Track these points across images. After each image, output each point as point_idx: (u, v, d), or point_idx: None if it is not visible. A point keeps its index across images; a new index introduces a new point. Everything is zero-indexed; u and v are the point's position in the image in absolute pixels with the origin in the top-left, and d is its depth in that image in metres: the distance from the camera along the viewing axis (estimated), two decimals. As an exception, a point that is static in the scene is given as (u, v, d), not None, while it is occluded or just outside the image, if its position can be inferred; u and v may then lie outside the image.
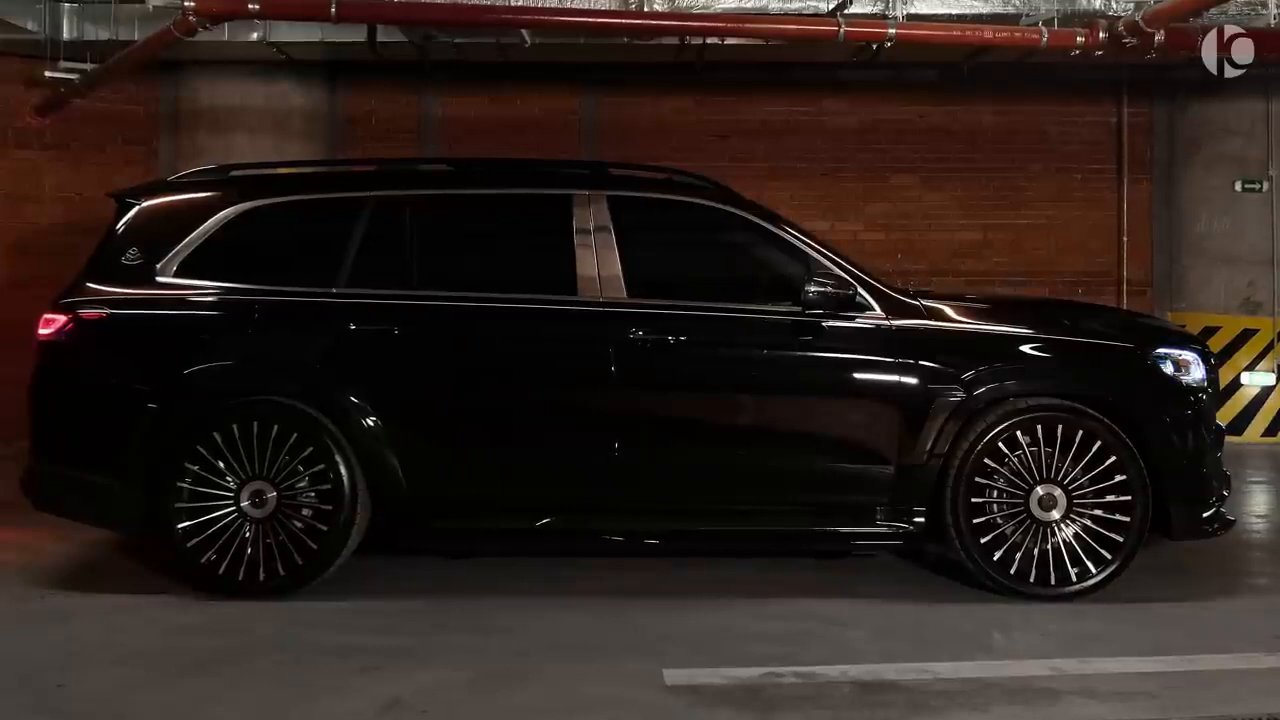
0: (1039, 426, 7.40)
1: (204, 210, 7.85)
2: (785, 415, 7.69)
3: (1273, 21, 10.86)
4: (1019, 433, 7.40)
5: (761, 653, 6.39)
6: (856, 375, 7.60)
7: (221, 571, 7.34)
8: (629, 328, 7.49)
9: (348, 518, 7.41)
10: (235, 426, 7.39)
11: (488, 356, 7.71)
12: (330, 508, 7.39)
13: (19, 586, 7.78)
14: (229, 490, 7.37)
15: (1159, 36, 9.92)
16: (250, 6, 9.91)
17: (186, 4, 9.87)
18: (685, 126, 14.74)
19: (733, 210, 7.87)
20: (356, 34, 11.66)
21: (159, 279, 7.70)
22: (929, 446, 7.41)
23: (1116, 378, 7.68)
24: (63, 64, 11.67)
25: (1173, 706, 5.69)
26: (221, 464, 7.37)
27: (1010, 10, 11.03)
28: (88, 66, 11.62)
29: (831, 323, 7.53)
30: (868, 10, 11.03)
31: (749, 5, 11.03)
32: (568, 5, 10.81)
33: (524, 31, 11.07)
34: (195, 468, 7.37)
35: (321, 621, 7.03)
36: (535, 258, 8.07)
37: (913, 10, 11.01)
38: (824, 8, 10.97)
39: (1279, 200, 14.01)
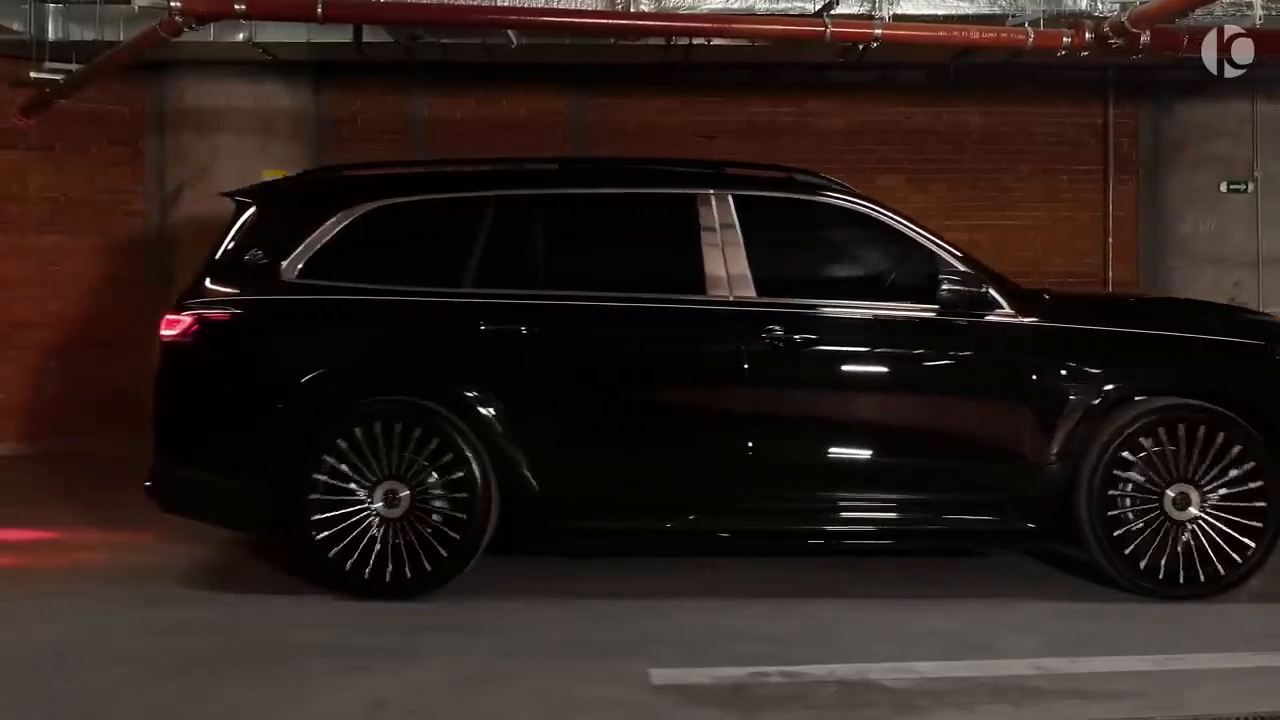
0: (1172, 425, 7.38)
1: (326, 210, 7.83)
2: (919, 414, 7.69)
3: (1258, 23, 10.87)
4: (1152, 431, 7.38)
5: (748, 652, 6.39)
6: (990, 373, 7.61)
7: (358, 572, 7.35)
8: (762, 327, 7.49)
9: (482, 518, 7.41)
10: (368, 427, 7.39)
11: (618, 356, 7.72)
12: (465, 508, 7.38)
13: None
14: (362, 491, 7.37)
15: (1145, 37, 9.93)
16: (236, 7, 9.90)
17: (172, 4, 9.85)
18: (672, 127, 14.72)
19: (856, 208, 7.88)
20: (342, 34, 11.64)
21: (283, 279, 7.68)
22: (1061, 444, 7.41)
23: (1248, 375, 7.70)
24: (48, 64, 11.64)
25: (1161, 705, 5.69)
26: (354, 465, 7.37)
27: (996, 11, 11.04)
28: (73, 67, 11.59)
29: (964, 321, 7.54)
30: (854, 11, 11.04)
31: (735, 6, 11.04)
32: (554, 6, 10.81)
33: (510, 32, 11.06)
34: (327, 469, 7.35)
35: (307, 621, 7.04)
36: (662, 257, 8.07)
37: (899, 10, 11.02)
38: (810, 8, 10.97)
39: (1264, 201, 14.01)
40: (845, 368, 7.68)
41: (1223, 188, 14.02)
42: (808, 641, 6.67)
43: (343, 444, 7.36)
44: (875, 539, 7.79)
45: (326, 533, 7.32)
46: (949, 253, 7.68)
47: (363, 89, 14.48)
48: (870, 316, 7.67)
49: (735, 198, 7.78)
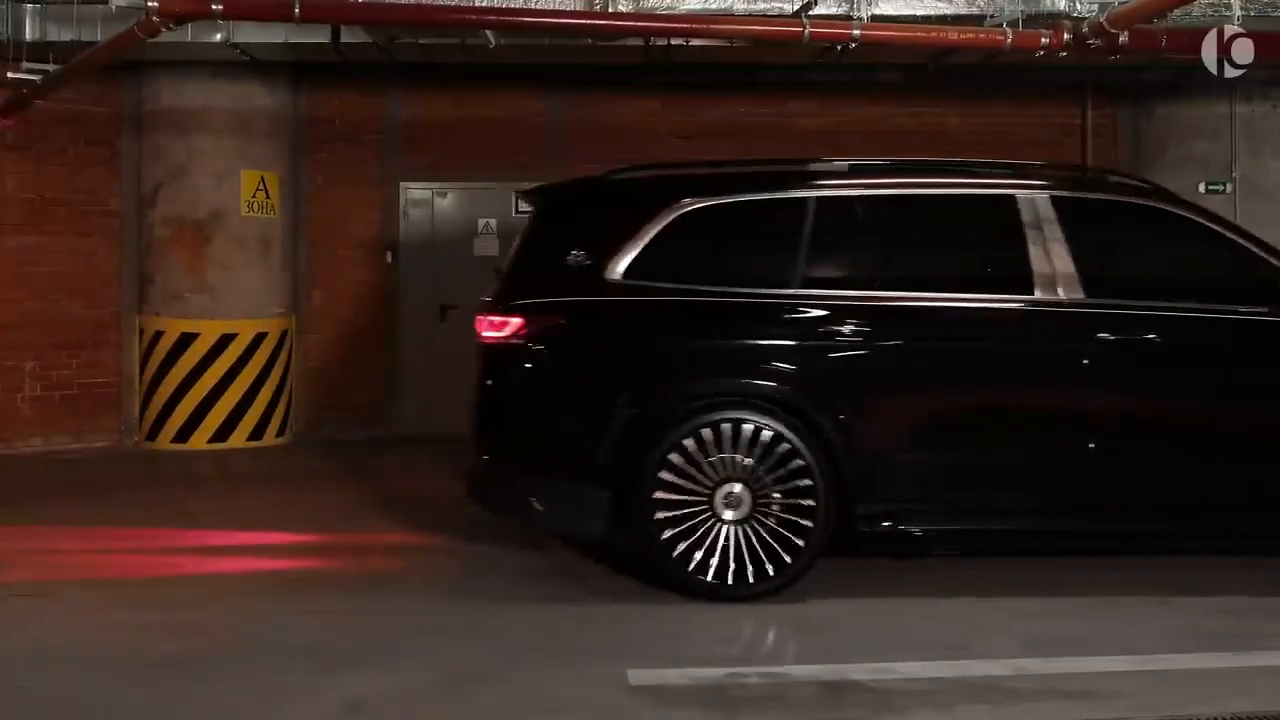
0: None
1: (648, 210, 7.80)
2: (1258, 414, 7.73)
3: (1237, 22, 10.87)
4: None
5: (725, 654, 6.41)
6: None
7: (701, 575, 7.35)
8: (1097, 327, 7.52)
9: (825, 518, 7.39)
10: (709, 429, 7.38)
11: (957, 356, 7.69)
12: (806, 511, 7.36)
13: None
14: (703, 494, 7.34)
15: (1123, 38, 9.92)
16: (213, 7, 9.84)
17: (149, 5, 9.79)
18: (652, 128, 14.73)
19: (1175, 210, 7.93)
20: (320, 35, 11.59)
21: (609, 280, 7.66)
22: None
23: None
24: (25, 65, 11.56)
25: (1139, 705, 5.71)
26: (696, 468, 7.35)
27: (975, 11, 11.03)
28: (50, 67, 11.52)
29: None
30: (832, 11, 11.03)
31: (713, 6, 11.01)
32: (532, 6, 10.78)
33: (489, 33, 11.03)
34: (671, 472, 7.34)
35: (286, 622, 7.03)
36: (985, 256, 8.03)
37: (877, 11, 11.00)
38: (788, 8, 10.95)
39: (1243, 201, 14.02)
40: (1181, 369, 7.70)
41: (1201, 188, 14.02)
42: (785, 642, 6.70)
43: (689, 444, 7.36)
44: (1209, 540, 7.91)
45: (670, 533, 7.34)
46: (1276, 256, 7.77)
47: (341, 89, 14.45)
48: (1203, 318, 7.70)
49: (1054, 198, 7.82)
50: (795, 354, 7.54)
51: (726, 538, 7.33)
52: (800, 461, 7.35)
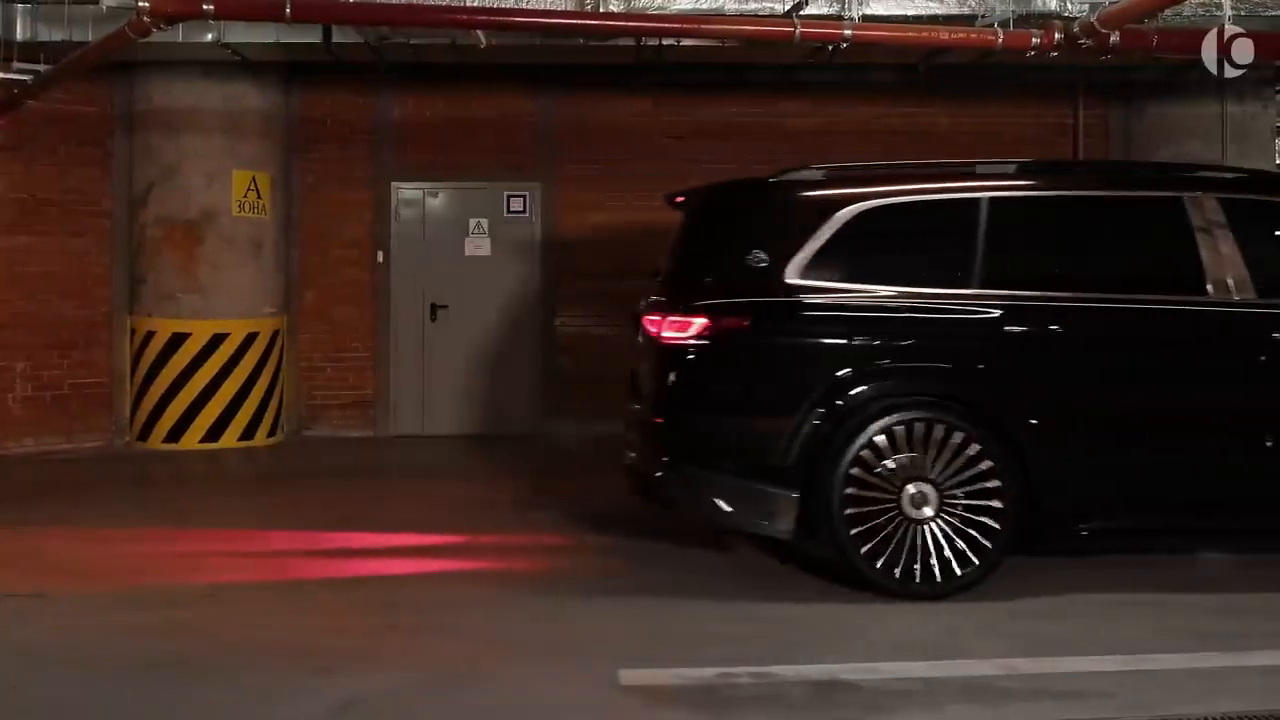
0: None
1: (822, 212, 7.82)
2: None
3: (1227, 22, 10.88)
4: None
5: (716, 653, 6.39)
6: None
7: (889, 574, 7.39)
8: (1275, 326, 7.61)
9: (1014, 518, 7.43)
10: (895, 430, 7.44)
11: (1134, 356, 7.73)
12: (992, 511, 7.41)
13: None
14: (890, 494, 7.39)
15: (1114, 38, 9.92)
16: (204, 7, 9.83)
17: (140, 5, 9.78)
18: (643, 128, 14.74)
19: None
20: (311, 34, 11.58)
21: (787, 280, 7.67)
22: None
23: None
24: (16, 65, 11.56)
25: (1127, 705, 5.71)
26: (883, 468, 7.41)
27: (966, 11, 11.04)
28: (41, 67, 11.51)
29: None
30: (823, 11, 11.04)
31: (704, 6, 11.01)
32: (523, 6, 10.78)
33: (480, 32, 11.03)
34: (859, 472, 7.38)
35: (275, 623, 7.02)
36: (1156, 258, 8.04)
37: (869, 11, 11.01)
38: (779, 8, 10.96)
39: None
40: None
41: (1193, 188, 14.04)
42: (774, 642, 6.66)
43: (879, 444, 7.41)
44: None
45: (859, 529, 7.38)
46: None
47: (333, 89, 14.46)
48: None
49: (1221, 200, 7.86)
50: (982, 354, 7.61)
51: (913, 536, 7.39)
52: (989, 463, 7.42)
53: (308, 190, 14.62)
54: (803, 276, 7.67)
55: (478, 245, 14.57)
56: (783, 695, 5.85)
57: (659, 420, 7.84)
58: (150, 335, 13.55)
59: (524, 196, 14.68)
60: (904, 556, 7.36)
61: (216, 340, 13.48)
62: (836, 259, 7.72)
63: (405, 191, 14.74)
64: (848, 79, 14.11)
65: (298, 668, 6.18)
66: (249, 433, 13.65)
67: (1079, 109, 14.86)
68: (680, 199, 8.55)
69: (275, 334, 14.00)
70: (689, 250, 8.11)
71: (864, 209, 7.81)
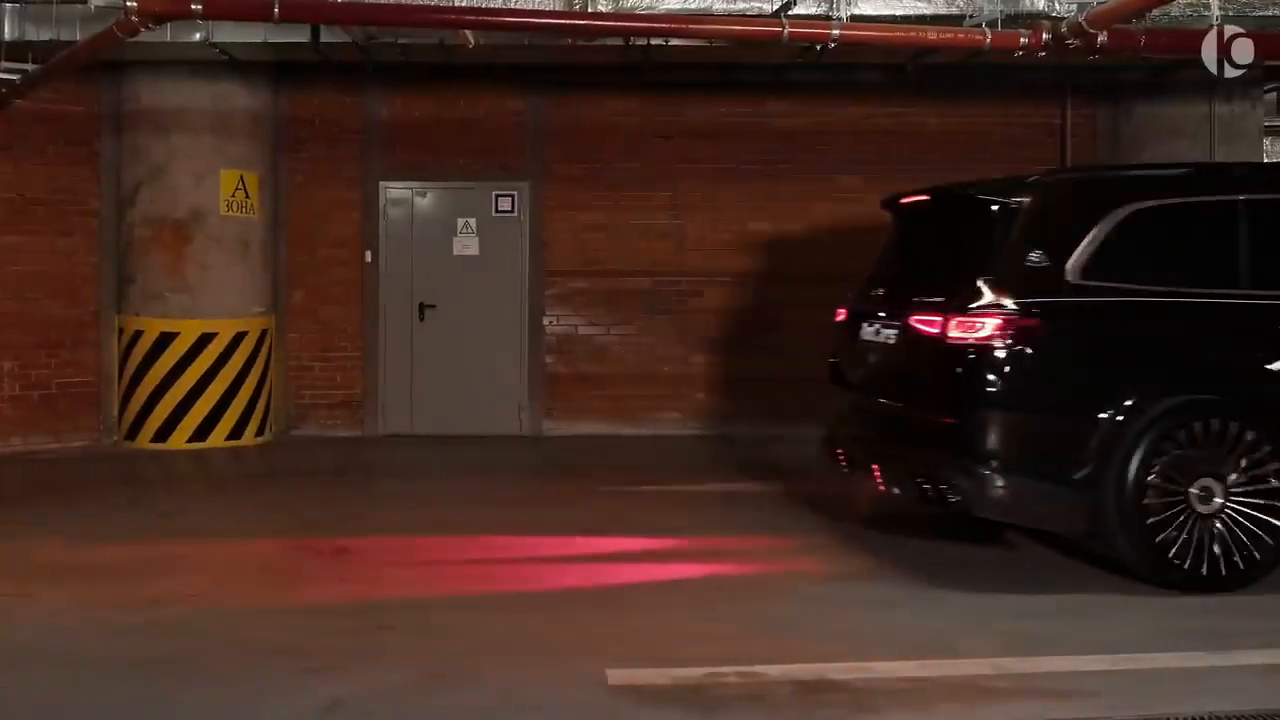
0: None
1: (1096, 212, 7.89)
2: None
3: (1215, 22, 10.89)
4: None
5: (703, 653, 6.38)
6: None
7: (1177, 568, 7.50)
8: None
9: None
10: (1199, 426, 7.56)
11: None
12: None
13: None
14: (1181, 488, 7.52)
15: (1102, 38, 9.93)
16: (193, 7, 9.81)
17: (128, 4, 9.77)
18: (632, 128, 14.74)
19: None
20: (300, 34, 11.57)
21: (1068, 281, 7.74)
22: None
23: None
24: (3, 64, 11.53)
25: (1116, 705, 5.71)
26: (1178, 465, 7.53)
27: (954, 11, 11.05)
28: (29, 67, 11.49)
29: None
30: (811, 11, 11.04)
31: (693, 6, 11.01)
32: (511, 6, 10.78)
33: (468, 32, 11.02)
34: (1158, 470, 7.50)
35: (264, 622, 7.02)
36: None
37: (857, 11, 11.01)
38: (768, 8, 10.96)
39: (1221, 201, 14.06)
40: None
41: (1180, 188, 14.06)
42: (761, 641, 6.67)
43: (1174, 443, 7.52)
44: None
45: (1153, 520, 7.49)
46: None
47: (321, 89, 14.45)
48: None
49: None
50: (1270, 352, 7.78)
51: (1200, 531, 7.51)
52: (1271, 457, 7.61)
53: (296, 190, 14.61)
54: (1082, 277, 7.74)
55: (466, 245, 14.56)
56: (770, 695, 5.83)
57: (949, 420, 7.82)
58: (138, 335, 13.54)
59: (512, 196, 14.66)
60: (1192, 550, 7.48)
61: (204, 340, 13.46)
62: (1112, 259, 7.80)
63: (393, 191, 14.73)
64: (836, 79, 14.11)
65: (290, 668, 6.19)
66: (237, 432, 13.63)
67: (1067, 109, 14.87)
68: (910, 200, 8.75)
69: (263, 333, 13.99)
70: (941, 252, 8.22)
71: (1133, 210, 7.91)
